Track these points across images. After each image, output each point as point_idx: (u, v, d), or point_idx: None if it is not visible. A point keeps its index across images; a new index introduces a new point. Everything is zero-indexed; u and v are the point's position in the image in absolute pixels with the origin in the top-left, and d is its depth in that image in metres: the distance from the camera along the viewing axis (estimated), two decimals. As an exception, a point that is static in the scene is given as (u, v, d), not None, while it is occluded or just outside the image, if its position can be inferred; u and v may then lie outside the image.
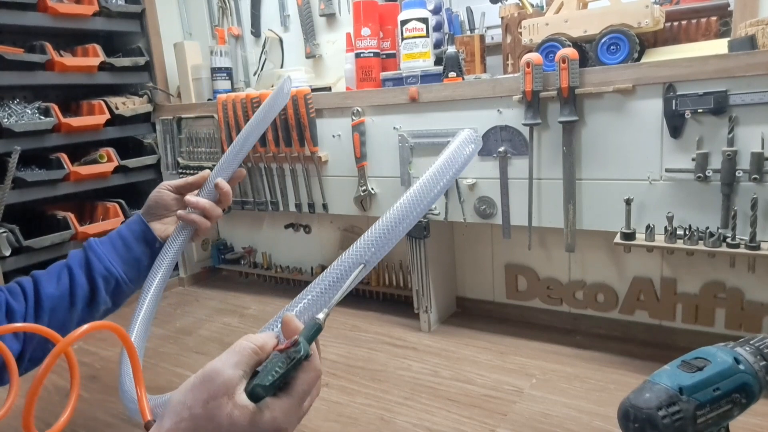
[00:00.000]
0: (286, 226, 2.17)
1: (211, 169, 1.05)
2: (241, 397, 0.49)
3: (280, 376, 0.49)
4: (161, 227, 1.04)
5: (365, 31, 1.67)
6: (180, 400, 0.50)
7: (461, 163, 0.67)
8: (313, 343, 0.54)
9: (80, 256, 0.98)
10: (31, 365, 0.90)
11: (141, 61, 2.10)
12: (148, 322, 0.92)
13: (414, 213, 0.63)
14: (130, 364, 0.60)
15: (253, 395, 0.49)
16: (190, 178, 1.06)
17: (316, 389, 0.55)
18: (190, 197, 1.03)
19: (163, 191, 1.04)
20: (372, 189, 1.66)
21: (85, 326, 0.55)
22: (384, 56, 1.72)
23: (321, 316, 0.55)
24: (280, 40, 2.13)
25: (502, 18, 1.56)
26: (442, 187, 0.66)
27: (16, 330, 0.59)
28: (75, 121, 1.91)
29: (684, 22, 1.38)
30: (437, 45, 1.65)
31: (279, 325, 0.58)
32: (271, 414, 0.49)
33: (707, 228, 1.21)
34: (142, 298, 0.95)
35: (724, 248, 1.19)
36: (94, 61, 1.97)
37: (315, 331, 0.54)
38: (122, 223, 1.05)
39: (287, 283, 2.19)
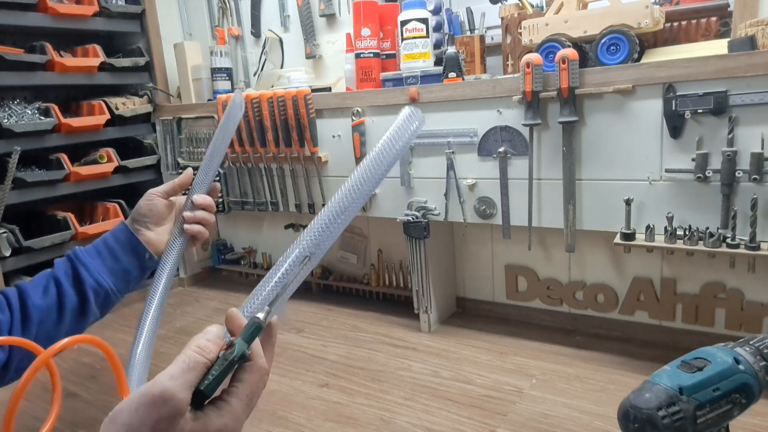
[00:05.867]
0: (286, 227, 2.17)
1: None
2: (189, 413, 0.48)
3: (215, 379, 0.50)
4: (155, 237, 1.01)
5: (365, 31, 1.67)
6: (124, 422, 0.46)
7: (404, 142, 0.63)
8: (257, 342, 0.53)
9: (67, 267, 0.96)
10: (17, 375, 0.88)
11: (141, 61, 2.10)
12: (151, 341, 0.90)
13: (358, 200, 0.61)
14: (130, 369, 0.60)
15: (194, 400, 0.49)
16: (176, 180, 1.04)
17: (261, 385, 0.54)
18: (198, 197, 1.01)
19: (156, 198, 1.02)
20: (372, 189, 1.66)
21: (66, 339, 0.55)
22: (384, 56, 1.72)
23: (261, 315, 0.53)
24: (280, 41, 2.13)
25: (502, 18, 1.56)
26: (385, 169, 0.62)
27: None
28: (75, 122, 1.91)
29: (684, 23, 1.38)
30: (437, 45, 1.65)
31: (247, 308, 0.58)
32: (221, 420, 0.49)
33: (707, 228, 1.21)
34: (144, 316, 0.91)
35: (724, 248, 1.19)
36: (94, 62, 1.97)
37: (254, 330, 0.53)
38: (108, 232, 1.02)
39: (287, 284, 2.19)
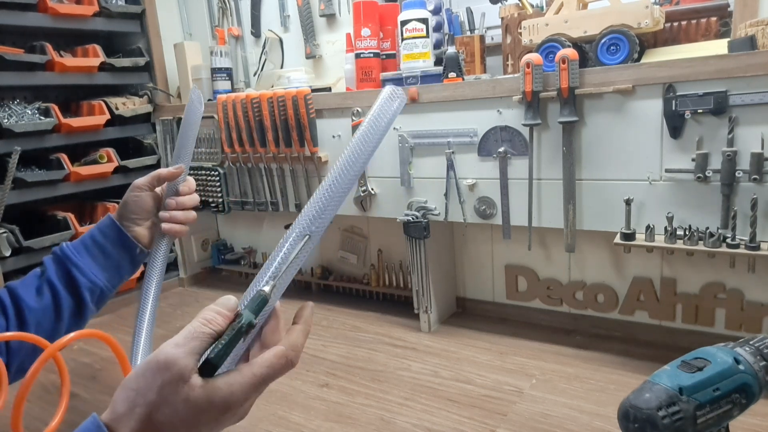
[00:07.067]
0: (286, 227, 2.15)
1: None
2: (197, 379, 0.49)
3: (224, 347, 0.50)
4: (144, 231, 1.01)
5: (365, 31, 1.67)
6: (132, 387, 0.50)
7: (387, 122, 0.67)
8: (276, 326, 0.56)
9: (58, 268, 0.96)
10: (19, 375, 0.88)
11: (141, 61, 2.10)
12: (151, 335, 0.91)
13: (347, 180, 0.65)
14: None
15: (203, 369, 0.50)
16: (161, 171, 1.04)
17: (285, 360, 0.53)
18: (170, 200, 1.02)
19: (141, 193, 1.02)
20: (372, 189, 1.66)
21: (72, 334, 0.56)
22: (384, 56, 1.72)
23: (267, 288, 0.56)
24: (280, 41, 2.13)
25: (502, 18, 1.56)
26: (371, 150, 0.66)
27: (4, 339, 0.59)
28: (75, 122, 1.91)
29: (684, 23, 1.38)
30: (437, 45, 1.65)
31: (246, 299, 0.58)
32: (228, 388, 0.50)
33: (707, 228, 1.21)
34: (141, 313, 0.93)
35: (724, 248, 1.19)
36: (94, 62, 1.97)
37: (260, 301, 0.54)
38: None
39: (287, 284, 2.19)
